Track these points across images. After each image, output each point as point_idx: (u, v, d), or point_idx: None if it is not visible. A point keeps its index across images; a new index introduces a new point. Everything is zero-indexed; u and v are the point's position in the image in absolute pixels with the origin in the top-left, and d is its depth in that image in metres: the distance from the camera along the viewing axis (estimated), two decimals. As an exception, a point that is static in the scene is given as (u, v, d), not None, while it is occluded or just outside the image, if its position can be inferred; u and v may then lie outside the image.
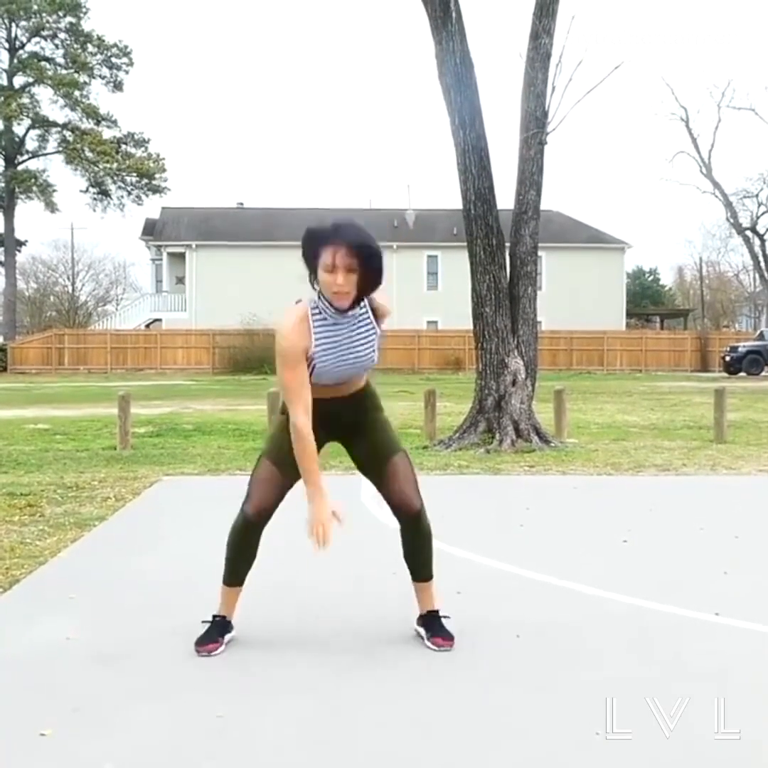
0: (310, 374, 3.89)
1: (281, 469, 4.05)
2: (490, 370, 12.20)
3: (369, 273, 3.76)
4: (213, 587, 5.15)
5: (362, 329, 3.96)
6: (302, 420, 3.81)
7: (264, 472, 4.13)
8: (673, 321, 65.88)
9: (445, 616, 4.28)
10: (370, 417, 4.19)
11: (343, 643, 4.20)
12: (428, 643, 4.16)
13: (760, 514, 7.56)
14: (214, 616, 4.24)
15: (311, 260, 3.76)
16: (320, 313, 3.86)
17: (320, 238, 3.69)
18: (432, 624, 4.23)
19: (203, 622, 4.27)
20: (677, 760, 3.02)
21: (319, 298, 3.85)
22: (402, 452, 4.22)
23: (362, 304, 3.93)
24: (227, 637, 4.19)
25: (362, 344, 3.95)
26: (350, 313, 3.88)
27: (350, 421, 4.14)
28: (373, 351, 4.00)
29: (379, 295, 4.02)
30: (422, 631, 4.24)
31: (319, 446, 4.00)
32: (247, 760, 3.05)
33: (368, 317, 3.99)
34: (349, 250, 3.66)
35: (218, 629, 4.19)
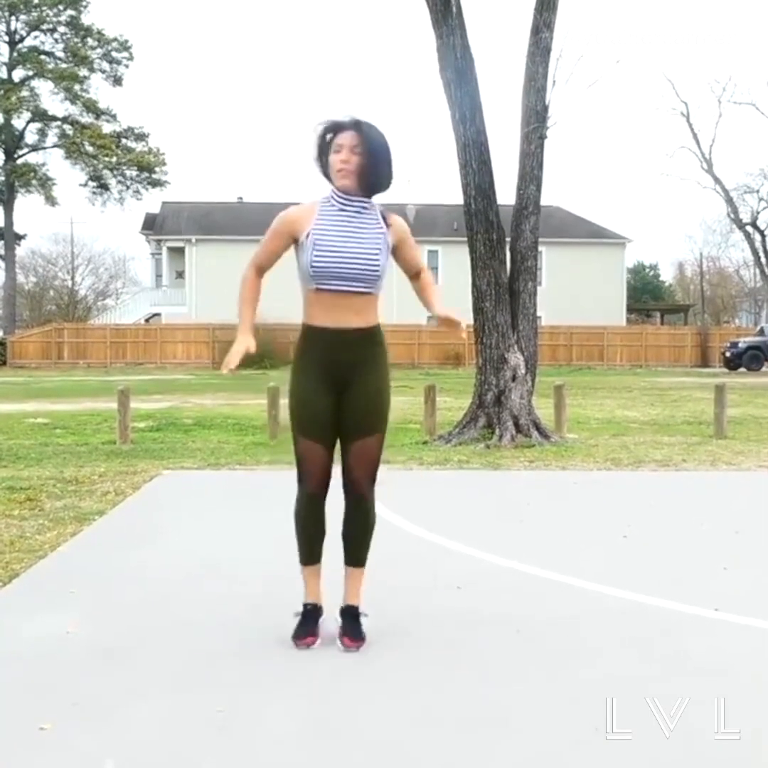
0: (311, 263, 3.92)
1: (314, 436, 4.03)
2: (490, 365, 12.18)
3: (374, 162, 3.94)
4: (215, 580, 5.17)
5: (368, 224, 4.01)
6: (250, 272, 4.16)
7: (302, 448, 4.11)
8: (673, 316, 65.85)
9: (363, 614, 4.17)
10: (370, 375, 4.07)
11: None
12: (337, 641, 4.08)
13: (761, 510, 7.56)
14: (305, 605, 4.18)
15: (319, 143, 3.97)
16: (328, 201, 4.00)
17: (332, 122, 3.95)
18: (346, 620, 4.14)
19: (295, 614, 4.18)
20: (677, 756, 3.02)
21: (330, 192, 4.01)
22: (379, 435, 4.12)
23: (370, 203, 4.03)
24: (321, 623, 4.15)
25: (366, 239, 3.98)
26: (358, 203, 3.98)
27: (349, 368, 4.03)
28: (378, 254, 3.98)
29: (399, 221, 4.12)
30: (340, 623, 4.16)
31: (321, 411, 4.01)
32: (247, 755, 3.05)
33: (377, 218, 4.05)
34: (357, 135, 3.91)
35: (311, 618, 4.14)
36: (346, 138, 3.90)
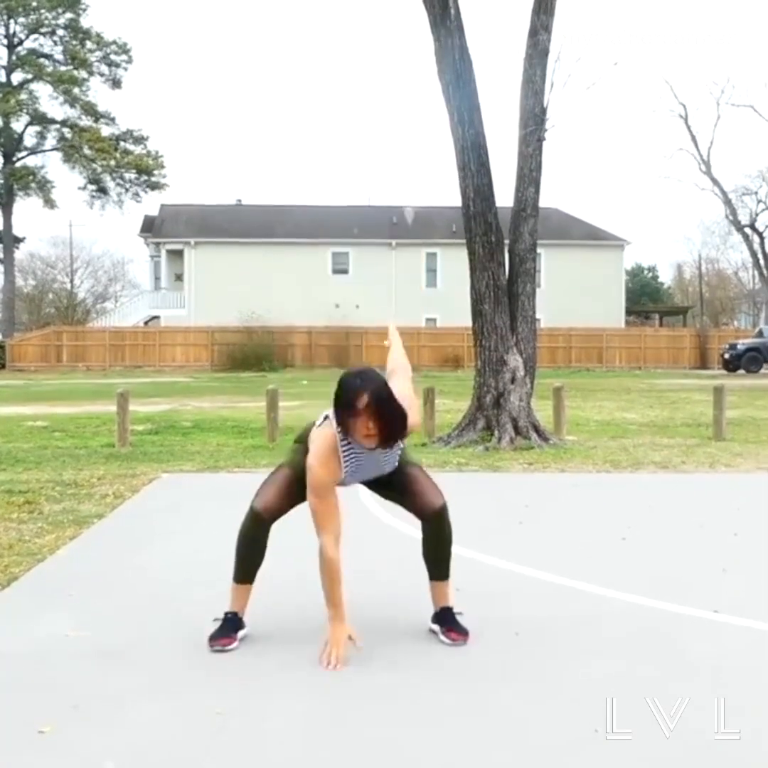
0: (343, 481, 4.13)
1: (299, 482, 4.14)
2: (489, 367, 12.20)
3: (392, 428, 3.92)
4: (213, 584, 5.16)
5: (386, 456, 4.14)
6: (331, 547, 3.96)
7: (280, 477, 4.28)
8: (672, 318, 65.85)
9: (458, 613, 4.33)
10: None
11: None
12: (443, 637, 4.22)
13: (759, 512, 7.56)
14: (226, 613, 4.27)
15: (344, 415, 3.90)
16: (349, 444, 4.03)
17: (348, 403, 3.85)
18: (446, 618, 4.29)
19: (215, 620, 4.28)
20: (676, 757, 3.02)
21: (348, 438, 4.02)
22: (415, 465, 4.36)
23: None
24: (240, 633, 4.21)
25: (388, 462, 4.17)
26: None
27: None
28: (397, 460, 4.21)
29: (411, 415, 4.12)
30: (436, 627, 4.30)
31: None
32: (247, 756, 3.05)
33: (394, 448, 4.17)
34: (378, 409, 3.83)
35: (231, 625, 4.21)
36: (367, 416, 3.84)
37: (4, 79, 53.13)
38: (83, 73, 54.13)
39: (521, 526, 6.94)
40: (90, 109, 54.26)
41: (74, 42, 54.25)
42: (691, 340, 49.53)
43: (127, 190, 56.35)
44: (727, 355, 42.07)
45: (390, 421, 3.89)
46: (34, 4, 52.31)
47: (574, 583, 5.21)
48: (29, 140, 55.05)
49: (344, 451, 4.03)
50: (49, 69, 53.67)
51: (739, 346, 42.09)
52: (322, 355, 45.79)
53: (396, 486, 4.29)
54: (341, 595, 3.98)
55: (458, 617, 4.31)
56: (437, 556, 4.32)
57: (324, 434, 4.05)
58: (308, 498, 4.02)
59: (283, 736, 3.21)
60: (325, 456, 4.01)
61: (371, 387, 3.85)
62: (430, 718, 3.35)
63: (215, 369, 44.29)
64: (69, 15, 53.62)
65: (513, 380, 12.04)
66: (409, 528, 6.33)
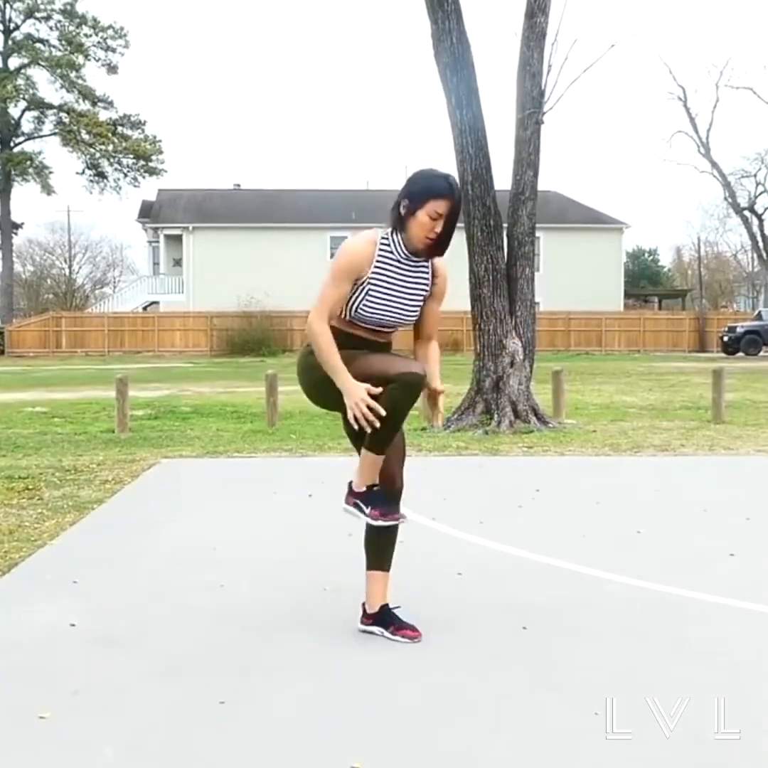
0: (356, 308, 3.87)
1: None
2: (488, 351, 12.18)
3: (451, 235, 3.91)
4: (213, 568, 5.16)
5: (419, 281, 3.99)
6: (317, 321, 3.81)
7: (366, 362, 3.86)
8: (671, 301, 65.78)
9: (396, 607, 4.12)
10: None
11: (344, 626, 4.20)
12: (396, 637, 4.01)
13: (758, 495, 7.56)
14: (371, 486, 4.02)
15: (417, 197, 3.83)
16: (389, 246, 3.92)
17: (441, 189, 3.83)
18: (393, 618, 4.08)
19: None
20: (679, 742, 3.02)
21: (393, 233, 3.93)
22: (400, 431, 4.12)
23: (427, 261, 3.99)
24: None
25: (413, 295, 3.97)
26: (415, 260, 3.94)
27: None
28: (418, 308, 4.02)
29: (444, 276, 4.08)
30: (377, 628, 4.07)
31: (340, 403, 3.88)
32: (249, 742, 3.05)
33: (428, 275, 4.02)
34: (456, 211, 3.86)
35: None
36: (445, 207, 3.81)
37: (0, 65, 52.91)
38: (80, 58, 53.89)
39: (521, 509, 6.95)
40: (87, 94, 54.06)
41: (70, 26, 54.00)
42: (690, 323, 49.46)
43: (125, 175, 56.21)
44: (726, 338, 42.04)
45: (451, 231, 3.88)
46: (30, -12, 52.07)
47: (575, 567, 5.21)
48: (26, 126, 54.95)
49: (380, 252, 3.90)
50: (46, 54, 53.45)
51: (738, 329, 42.06)
52: (322, 339, 45.62)
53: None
54: (340, 362, 3.76)
55: (397, 611, 4.10)
56: (386, 543, 4.10)
57: (365, 232, 3.97)
58: (324, 280, 3.88)
59: (284, 723, 3.21)
60: (359, 243, 3.91)
61: (456, 182, 3.89)
62: (432, 703, 3.36)
63: (214, 354, 44.24)
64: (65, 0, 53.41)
65: (512, 364, 12.04)
66: (408, 512, 6.34)
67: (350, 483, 4.05)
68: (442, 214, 3.81)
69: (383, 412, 3.69)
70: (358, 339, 3.90)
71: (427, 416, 4.12)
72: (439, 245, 3.90)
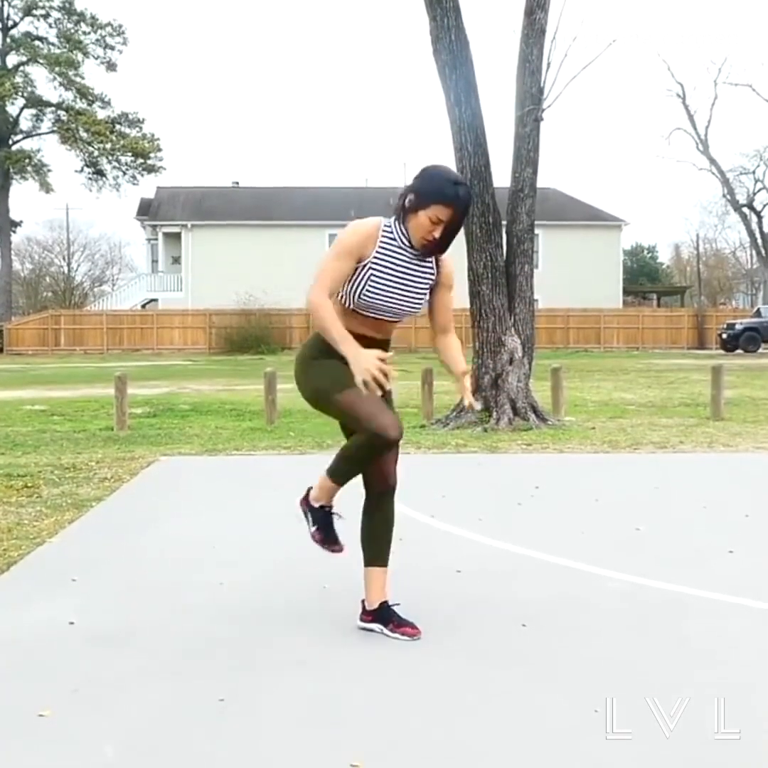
0: (359, 293, 3.84)
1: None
2: (487, 348, 12.18)
3: (451, 241, 3.89)
4: (212, 566, 5.16)
5: (423, 271, 3.96)
6: (317, 294, 3.74)
7: (356, 396, 3.76)
8: (669, 298, 65.78)
9: (396, 604, 4.10)
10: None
11: (343, 623, 4.20)
12: (395, 634, 3.99)
13: (757, 492, 7.56)
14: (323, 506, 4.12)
15: (423, 197, 3.79)
16: (392, 233, 3.89)
17: (449, 197, 3.77)
18: (393, 615, 4.05)
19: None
20: (679, 741, 3.02)
21: (395, 221, 3.90)
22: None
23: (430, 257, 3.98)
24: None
25: (416, 284, 3.94)
26: (416, 251, 3.91)
27: None
28: (423, 298, 3.99)
29: (449, 267, 4.07)
30: (377, 626, 4.06)
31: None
32: (247, 740, 3.04)
33: (432, 266, 3.99)
34: (459, 221, 3.82)
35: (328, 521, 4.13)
36: (447, 215, 3.77)
37: (-1, 62, 52.84)
38: (78, 56, 53.79)
39: (520, 506, 6.94)
40: (86, 92, 53.95)
41: (69, 24, 53.88)
42: (689, 320, 49.45)
43: (123, 172, 56.09)
44: (725, 335, 42.03)
45: (453, 234, 3.85)
46: (28, -15, 51.97)
47: (575, 564, 5.21)
48: (25, 123, 54.80)
49: (383, 237, 3.87)
50: (44, 51, 53.36)
51: (737, 326, 42.05)
52: (320, 337, 45.70)
53: None
54: (344, 331, 3.70)
55: (396, 609, 4.09)
56: (382, 538, 4.08)
57: (369, 218, 3.93)
58: (325, 257, 3.82)
59: (283, 721, 3.21)
60: (366, 224, 3.87)
61: (466, 192, 3.85)
62: (432, 701, 3.35)
63: (213, 352, 44.24)
64: (63, -4, 53.29)
65: (511, 361, 12.03)
66: (407, 509, 6.34)
67: (309, 488, 4.15)
68: (442, 221, 3.78)
69: (395, 374, 3.69)
70: (358, 337, 3.78)
71: (463, 395, 4.11)
72: (436, 248, 3.88)
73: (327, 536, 4.11)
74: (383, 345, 3.98)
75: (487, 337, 12.20)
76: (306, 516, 4.15)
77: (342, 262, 3.80)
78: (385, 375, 3.63)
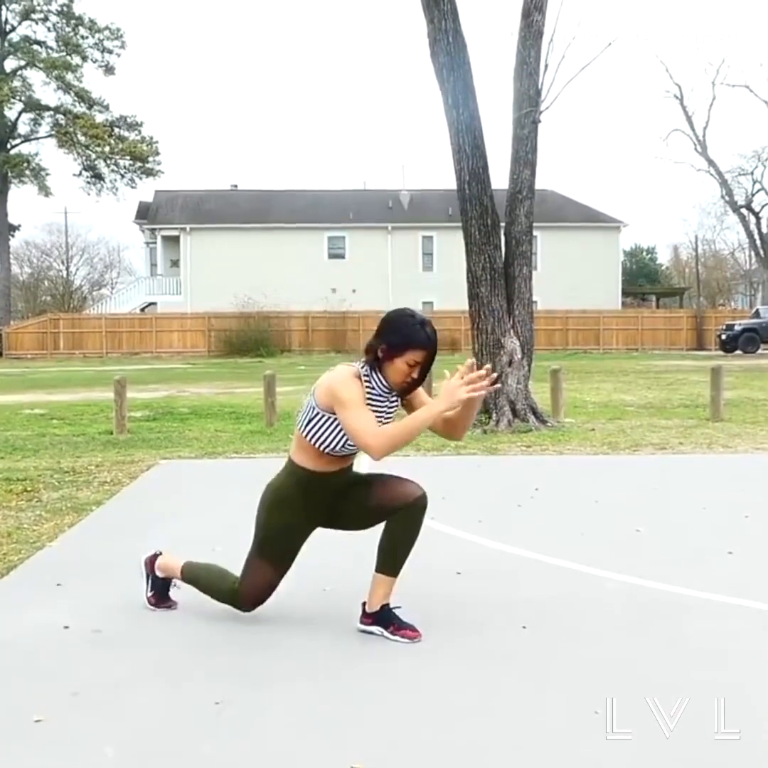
0: (344, 445, 4.00)
1: (282, 566, 4.27)
2: (486, 350, 12.18)
3: (428, 371, 4.07)
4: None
5: (391, 405, 4.12)
6: (377, 438, 3.82)
7: (262, 569, 4.26)
8: (668, 300, 65.78)
9: (397, 607, 4.13)
10: (353, 481, 4.25)
11: (343, 626, 4.20)
12: (395, 637, 4.01)
13: (757, 493, 7.56)
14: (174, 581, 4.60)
15: (396, 347, 3.93)
16: (370, 383, 4.01)
17: (420, 340, 3.94)
18: (393, 618, 4.08)
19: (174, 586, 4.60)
20: (679, 741, 3.02)
21: (371, 370, 4.00)
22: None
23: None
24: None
25: (388, 421, 4.09)
26: (390, 391, 4.05)
27: (338, 495, 4.21)
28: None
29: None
30: (377, 628, 4.08)
31: (304, 537, 4.26)
32: (246, 744, 3.05)
33: (397, 400, 4.13)
34: (433, 357, 4.02)
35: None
36: (422, 357, 3.95)
37: (-4, 66, 52.83)
38: (76, 60, 53.79)
39: (520, 508, 6.95)
40: (84, 96, 53.94)
41: (67, 28, 53.87)
42: (687, 321, 49.48)
43: (122, 176, 56.10)
44: (724, 336, 42.03)
45: (428, 369, 4.01)
46: (26, -11, 51.95)
47: (574, 565, 5.21)
48: (23, 127, 54.79)
49: (366, 388, 3.98)
50: (42, 55, 53.36)
51: (736, 327, 42.05)
52: (319, 339, 45.80)
53: (372, 485, 4.17)
54: (411, 419, 3.87)
55: (397, 612, 4.11)
56: (404, 548, 4.12)
57: (343, 369, 4.02)
58: (345, 420, 3.86)
59: (283, 722, 3.21)
60: (352, 377, 3.96)
61: (432, 330, 3.99)
62: (432, 703, 3.36)
63: (212, 355, 44.24)
64: (61, 0, 53.28)
65: (510, 363, 12.04)
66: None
67: (158, 552, 4.67)
68: (419, 362, 3.96)
69: (495, 375, 4.01)
70: (328, 474, 4.09)
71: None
72: (415, 385, 4.05)
73: (162, 598, 4.57)
74: (348, 470, 4.20)
75: (486, 339, 12.20)
76: (147, 579, 4.58)
77: (365, 410, 3.91)
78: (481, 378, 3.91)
